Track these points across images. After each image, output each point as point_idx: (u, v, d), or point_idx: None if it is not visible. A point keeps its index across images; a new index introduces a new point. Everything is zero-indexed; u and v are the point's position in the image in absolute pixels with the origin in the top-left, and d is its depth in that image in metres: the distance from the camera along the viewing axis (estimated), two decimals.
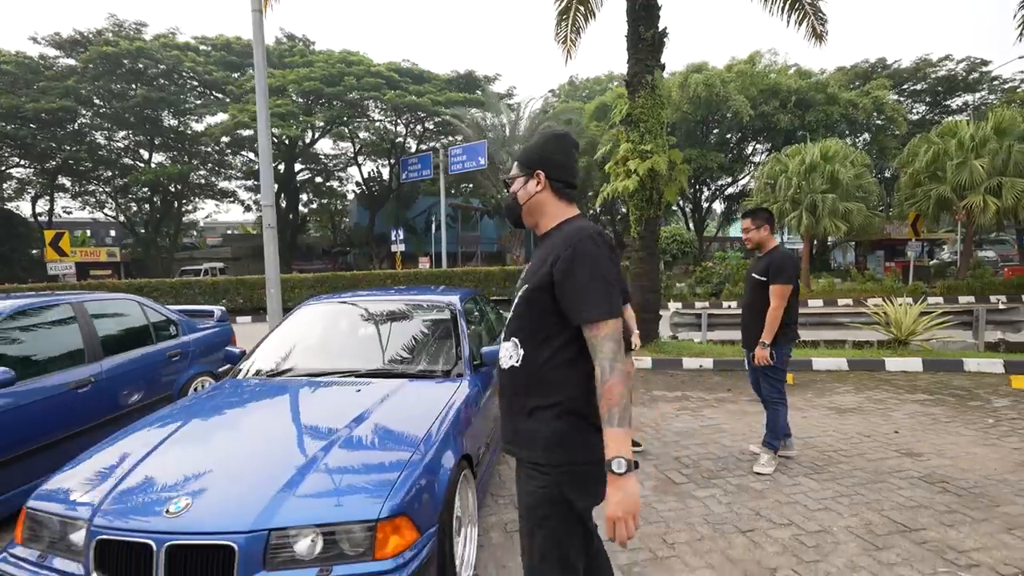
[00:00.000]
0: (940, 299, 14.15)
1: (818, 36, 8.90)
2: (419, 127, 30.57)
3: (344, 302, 3.86)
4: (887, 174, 25.54)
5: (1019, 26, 7.79)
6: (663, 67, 7.80)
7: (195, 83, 29.54)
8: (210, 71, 27.98)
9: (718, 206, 31.54)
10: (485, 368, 3.33)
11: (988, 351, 7.89)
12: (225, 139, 28.52)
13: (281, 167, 32.85)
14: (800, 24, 8.93)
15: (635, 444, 4.19)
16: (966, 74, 27.74)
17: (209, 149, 30.65)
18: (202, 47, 29.36)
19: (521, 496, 1.61)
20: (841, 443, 4.31)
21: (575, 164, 1.68)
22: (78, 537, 1.91)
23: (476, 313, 4.18)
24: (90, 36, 27.15)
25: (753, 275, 3.77)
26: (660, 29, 7.74)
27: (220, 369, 5.09)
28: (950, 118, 26.00)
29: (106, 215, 33.17)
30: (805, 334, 7.97)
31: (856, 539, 2.83)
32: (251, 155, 32.80)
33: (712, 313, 9.20)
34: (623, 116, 7.87)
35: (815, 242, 17.80)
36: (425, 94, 26.07)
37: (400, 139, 30.70)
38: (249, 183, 35.19)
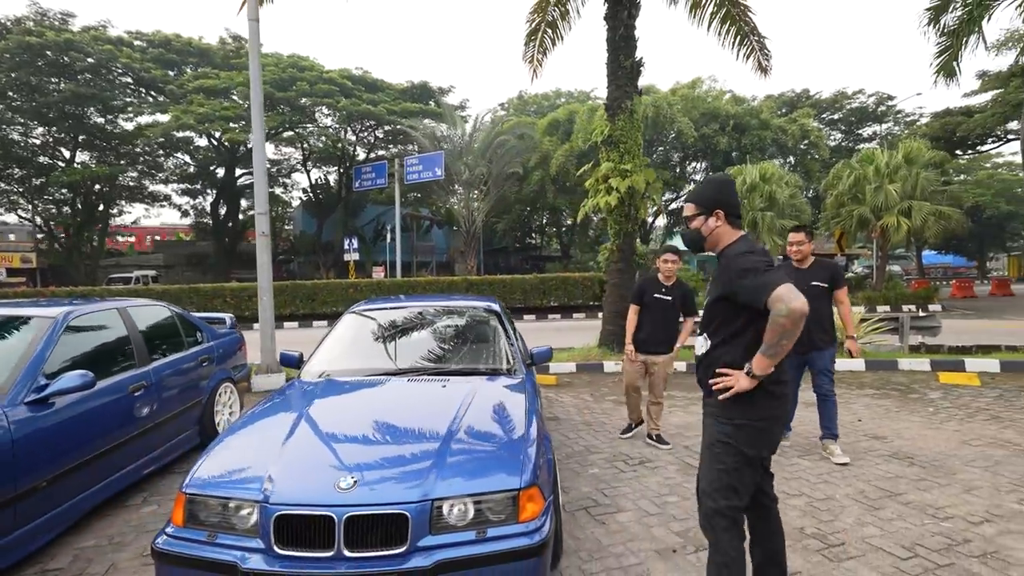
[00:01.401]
0: (861, 308, 15.75)
1: (763, 69, 9.96)
2: (370, 136, 30.33)
3: (391, 308, 4.09)
4: (810, 194, 27.95)
5: (935, 73, 9.15)
6: (640, 93, 8.48)
7: (128, 80, 27.91)
8: (147, 68, 26.56)
9: (661, 220, 33.24)
10: (534, 366, 3.69)
11: (912, 352, 9.05)
12: (160, 139, 27.09)
13: (221, 172, 31.56)
14: (748, 58, 9.94)
15: (663, 442, 4.61)
16: (875, 106, 30.97)
17: (139, 150, 28.94)
18: (136, 42, 27.85)
19: (706, 436, 2.17)
20: (818, 431, 4.95)
21: (739, 199, 2.26)
22: (247, 515, 2.10)
23: (505, 317, 4.52)
24: (7, 23, 25.15)
25: (815, 283, 4.09)
26: (637, 59, 8.43)
27: (238, 375, 5.14)
28: (862, 146, 28.88)
29: (20, 217, 30.47)
30: None
31: (856, 503, 3.41)
32: (186, 157, 31.30)
33: None
34: (604, 137, 8.47)
35: None
36: (380, 103, 25.94)
37: (350, 147, 30.30)
38: (184, 186, 33.52)
